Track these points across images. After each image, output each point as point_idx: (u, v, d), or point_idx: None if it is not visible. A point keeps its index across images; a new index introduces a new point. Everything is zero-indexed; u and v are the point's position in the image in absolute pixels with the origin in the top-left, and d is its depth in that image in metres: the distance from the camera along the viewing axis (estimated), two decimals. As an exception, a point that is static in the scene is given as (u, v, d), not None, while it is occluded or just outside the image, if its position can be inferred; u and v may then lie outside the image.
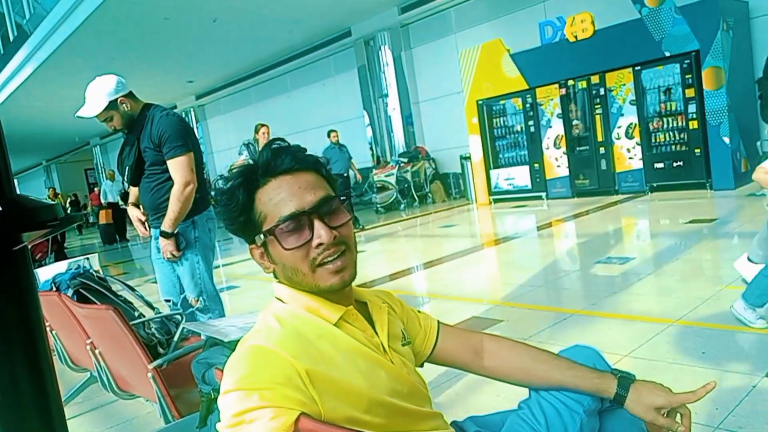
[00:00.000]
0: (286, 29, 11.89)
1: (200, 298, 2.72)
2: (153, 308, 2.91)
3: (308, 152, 1.04)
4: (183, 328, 2.22)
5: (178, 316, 2.46)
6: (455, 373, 2.53)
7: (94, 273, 2.77)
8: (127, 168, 2.76)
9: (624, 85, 8.05)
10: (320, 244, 0.97)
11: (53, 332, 2.74)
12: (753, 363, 2.43)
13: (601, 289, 3.95)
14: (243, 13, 10.39)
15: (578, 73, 8.41)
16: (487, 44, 9.50)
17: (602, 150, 8.43)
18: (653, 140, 7.95)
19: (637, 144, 8.08)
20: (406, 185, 11.49)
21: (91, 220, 20.37)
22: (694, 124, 7.54)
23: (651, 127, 7.94)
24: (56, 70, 12.14)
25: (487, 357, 1.21)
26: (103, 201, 13.69)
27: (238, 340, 0.98)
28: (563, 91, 8.66)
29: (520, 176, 9.48)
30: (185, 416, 1.81)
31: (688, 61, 7.41)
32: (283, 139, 1.05)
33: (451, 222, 8.86)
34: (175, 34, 11.17)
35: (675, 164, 7.80)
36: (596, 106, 8.35)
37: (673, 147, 7.81)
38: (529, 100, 9.10)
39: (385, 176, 11.43)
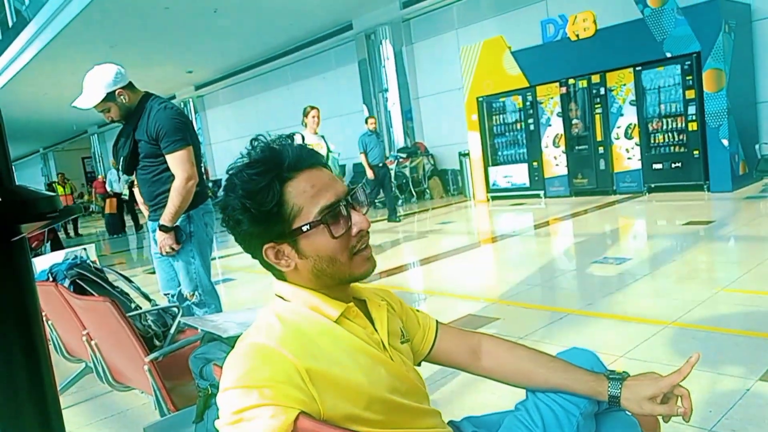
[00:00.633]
0: (287, 21, 11.84)
1: (196, 293, 2.70)
2: (150, 300, 2.90)
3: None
4: (179, 321, 2.22)
5: (175, 309, 2.46)
6: (450, 372, 2.53)
7: (90, 263, 2.76)
8: (122, 158, 2.73)
9: (624, 85, 8.05)
10: (359, 231, 1.00)
11: (49, 322, 2.73)
12: (747, 366, 2.44)
13: (597, 290, 3.95)
14: (244, 4, 10.35)
15: (579, 72, 8.41)
16: (488, 41, 9.48)
17: (601, 150, 8.43)
18: (652, 141, 7.96)
19: (636, 144, 8.09)
20: (404, 181, 11.48)
21: (92, 208, 20.01)
22: (693, 126, 7.55)
23: (650, 128, 7.95)
24: (55, 57, 12.08)
25: (485, 358, 1.21)
26: (108, 189, 13.15)
27: (237, 337, 0.98)
28: (564, 89, 8.65)
29: (518, 174, 9.49)
30: (181, 409, 1.81)
31: (689, 62, 7.41)
32: (295, 134, 1.04)
33: (448, 219, 8.86)
34: (175, 24, 11.12)
35: (673, 165, 7.81)
36: (596, 106, 8.35)
37: (672, 148, 7.82)
38: (530, 98, 9.09)
39: (384, 171, 11.42)
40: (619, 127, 8.22)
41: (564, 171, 8.92)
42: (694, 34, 7.28)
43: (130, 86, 2.64)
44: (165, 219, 2.59)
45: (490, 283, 4.68)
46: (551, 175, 9.09)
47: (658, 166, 7.94)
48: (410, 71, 12.25)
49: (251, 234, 0.99)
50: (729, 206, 6.67)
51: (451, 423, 1.20)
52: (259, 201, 0.96)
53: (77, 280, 2.59)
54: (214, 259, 7.69)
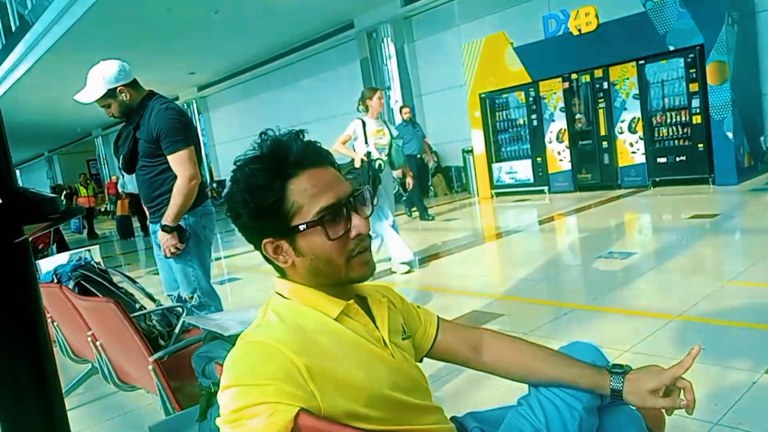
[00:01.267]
0: (288, 21, 11.84)
1: (195, 295, 2.68)
2: (154, 300, 2.91)
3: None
4: (184, 320, 2.23)
5: (179, 309, 2.46)
6: (455, 368, 2.53)
7: (95, 265, 2.77)
8: (122, 156, 2.72)
9: (627, 79, 8.01)
10: (358, 235, 0.99)
11: (54, 324, 2.74)
12: (753, 359, 2.43)
13: (602, 284, 3.94)
14: (245, 5, 10.36)
15: (582, 66, 8.38)
16: (490, 37, 9.45)
17: (605, 144, 8.40)
18: (656, 135, 7.93)
19: (640, 138, 8.06)
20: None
21: (106, 208, 19.58)
22: (697, 119, 7.51)
23: (654, 122, 7.91)
24: (58, 60, 12.12)
25: (486, 353, 1.21)
26: (120, 190, 12.63)
27: (238, 335, 0.98)
28: (566, 84, 8.63)
29: (522, 170, 9.46)
30: (185, 408, 1.81)
31: (692, 55, 7.37)
32: (305, 131, 1.04)
33: (452, 215, 8.85)
34: (176, 26, 11.13)
35: (678, 159, 7.78)
36: (599, 100, 8.32)
37: (676, 142, 7.79)
38: (532, 93, 9.07)
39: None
40: (622, 122, 8.19)
41: (568, 166, 8.89)
42: (697, 27, 7.24)
43: (133, 84, 2.62)
44: (167, 219, 2.56)
45: (495, 280, 4.68)
46: (555, 170, 9.06)
47: (663, 159, 7.91)
48: (412, 69, 12.23)
49: (250, 228, 1.01)
50: (734, 199, 6.64)
51: (453, 419, 1.20)
52: (259, 197, 0.96)
53: (82, 282, 2.60)
54: (219, 259, 7.71)
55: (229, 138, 18.41)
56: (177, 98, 18.81)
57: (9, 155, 0.84)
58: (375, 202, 4.72)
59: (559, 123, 8.84)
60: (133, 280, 2.92)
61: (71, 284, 2.56)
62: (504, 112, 9.60)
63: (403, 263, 4.98)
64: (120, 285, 2.83)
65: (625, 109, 8.12)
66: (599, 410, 1.15)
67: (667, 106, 7.78)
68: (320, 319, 0.99)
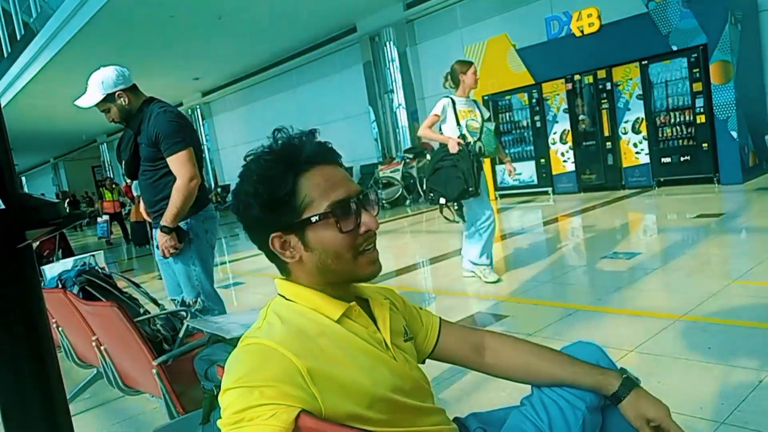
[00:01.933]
0: (291, 26, 11.89)
1: (199, 299, 2.70)
2: (158, 305, 2.92)
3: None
4: (187, 324, 2.23)
5: (183, 313, 2.47)
6: (459, 370, 2.53)
7: (99, 270, 2.78)
8: (124, 162, 2.75)
9: (631, 79, 8.00)
10: (367, 231, 1.00)
11: (59, 329, 2.75)
12: (759, 358, 2.42)
13: (607, 285, 3.93)
14: (248, 10, 10.40)
15: (585, 67, 8.36)
16: (492, 39, 9.46)
17: (609, 145, 8.38)
18: (660, 135, 7.90)
19: (644, 139, 8.03)
20: (411, 181, 11.47)
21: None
22: (701, 119, 7.49)
23: (658, 122, 7.89)
24: (63, 68, 12.20)
25: (488, 354, 1.21)
26: (135, 194, 12.03)
27: (240, 337, 0.98)
28: (569, 86, 8.61)
29: (526, 171, 9.45)
30: (189, 412, 1.82)
31: (695, 55, 7.36)
32: (317, 131, 1.05)
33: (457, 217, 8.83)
34: (180, 32, 11.19)
35: (682, 159, 7.75)
36: (603, 101, 8.30)
37: (681, 141, 7.76)
38: (535, 95, 9.06)
39: (391, 172, 11.43)
40: (626, 122, 8.17)
41: (572, 167, 8.87)
42: (700, 27, 7.23)
43: (132, 89, 2.66)
44: (166, 220, 2.56)
45: (500, 281, 4.66)
46: (559, 171, 9.04)
47: (667, 159, 7.88)
48: (415, 72, 12.25)
49: (260, 221, 0.99)
50: (739, 198, 6.61)
51: (456, 420, 1.20)
52: (272, 187, 0.96)
53: (86, 287, 2.61)
54: (224, 263, 7.73)
55: (233, 143, 18.46)
56: (181, 104, 18.89)
57: (12, 161, 0.84)
58: (478, 192, 4.22)
59: (563, 124, 8.83)
60: (137, 285, 2.93)
61: (76, 289, 2.57)
62: (507, 114, 9.59)
63: (478, 265, 4.34)
64: (124, 290, 2.83)
65: (629, 109, 8.10)
66: (602, 410, 1.14)
67: (670, 106, 7.76)
68: (322, 321, 0.99)
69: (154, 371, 1.93)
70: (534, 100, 9.12)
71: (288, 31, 12.25)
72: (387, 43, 12.09)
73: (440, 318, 1.25)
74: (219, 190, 17.98)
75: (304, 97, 15.13)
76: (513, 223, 7.80)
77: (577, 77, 8.51)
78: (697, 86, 7.43)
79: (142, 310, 2.76)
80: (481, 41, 9.63)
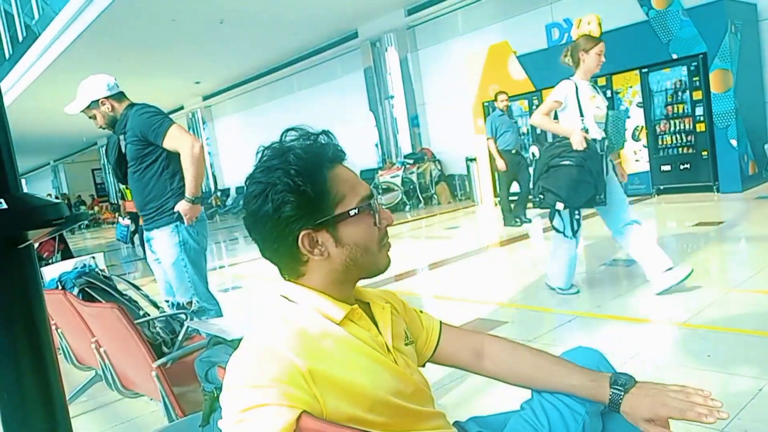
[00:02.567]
0: (292, 31, 11.92)
1: (194, 301, 2.73)
2: (158, 307, 2.92)
3: None
4: (187, 327, 2.23)
5: (183, 315, 2.47)
6: (460, 374, 2.52)
7: (99, 272, 2.78)
8: (111, 165, 2.87)
9: (631, 87, 8.02)
10: (387, 225, 1.04)
11: (59, 331, 2.75)
12: (759, 366, 2.42)
13: (606, 292, 3.93)
14: (250, 15, 10.43)
15: (585, 75, 8.37)
16: (493, 46, 9.49)
17: (609, 152, 8.39)
18: (660, 143, 7.92)
19: (644, 146, 8.05)
20: (411, 186, 11.49)
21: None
22: (701, 127, 7.51)
23: (658, 130, 7.91)
24: (64, 71, 12.22)
25: (488, 359, 1.21)
26: None
27: (241, 339, 0.98)
28: (570, 93, 8.62)
29: (526, 178, 9.44)
30: (189, 415, 1.81)
31: (695, 63, 7.38)
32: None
33: (456, 223, 8.84)
34: (182, 36, 11.22)
35: (682, 167, 7.77)
36: (603, 109, 8.31)
37: (680, 149, 7.78)
38: (536, 102, 9.07)
39: (391, 177, 11.44)
40: (626, 130, 8.17)
41: (572, 174, 8.86)
42: (700, 35, 7.26)
43: (117, 96, 2.77)
44: (189, 192, 2.65)
45: (499, 287, 4.66)
46: (559, 178, 9.04)
47: (667, 167, 7.90)
48: (416, 78, 12.28)
49: (292, 218, 0.95)
50: (739, 206, 6.62)
51: (456, 424, 1.19)
52: (312, 181, 0.95)
53: (86, 289, 2.61)
54: (223, 267, 7.72)
55: (233, 147, 18.48)
56: (182, 107, 18.92)
57: (15, 162, 0.84)
58: (605, 200, 3.75)
59: (563, 131, 8.83)
60: (137, 287, 2.93)
61: (75, 291, 2.57)
62: (507, 121, 9.60)
63: (667, 271, 3.48)
64: (124, 292, 2.83)
65: (629, 117, 8.12)
66: (602, 414, 1.15)
67: (670, 114, 7.78)
68: (324, 324, 0.99)
69: (153, 373, 1.92)
70: (534, 107, 9.12)
71: (289, 36, 12.29)
72: (388, 49, 12.14)
73: (441, 322, 1.25)
74: (218, 193, 17.99)
75: (304, 102, 15.16)
76: (512, 230, 7.79)
77: (577, 85, 8.52)
78: (697, 94, 7.45)
79: (141, 313, 2.76)
80: (481, 48, 9.66)
